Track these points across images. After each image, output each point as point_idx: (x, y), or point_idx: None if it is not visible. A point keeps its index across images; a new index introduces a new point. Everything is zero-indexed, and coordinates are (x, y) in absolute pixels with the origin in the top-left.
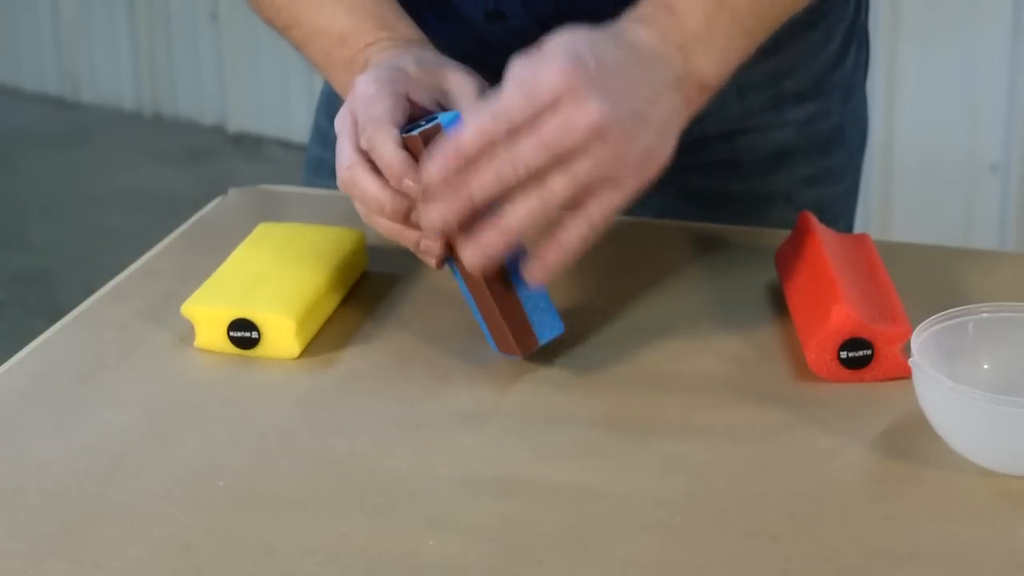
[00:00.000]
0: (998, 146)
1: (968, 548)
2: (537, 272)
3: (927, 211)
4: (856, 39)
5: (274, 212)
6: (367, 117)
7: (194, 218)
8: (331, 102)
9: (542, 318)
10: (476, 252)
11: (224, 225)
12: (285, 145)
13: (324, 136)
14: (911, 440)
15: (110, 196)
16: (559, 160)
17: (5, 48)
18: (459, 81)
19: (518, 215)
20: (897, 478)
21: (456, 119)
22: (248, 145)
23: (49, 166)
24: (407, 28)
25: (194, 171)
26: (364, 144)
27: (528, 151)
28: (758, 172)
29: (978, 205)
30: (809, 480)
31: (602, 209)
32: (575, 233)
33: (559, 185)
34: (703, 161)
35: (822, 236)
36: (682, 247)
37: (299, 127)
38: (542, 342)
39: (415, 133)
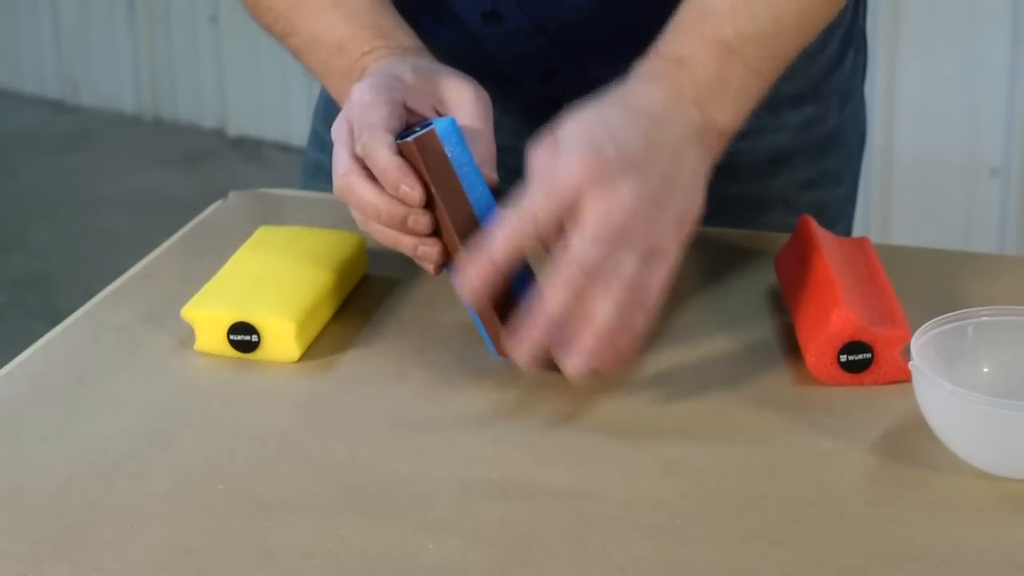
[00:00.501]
0: (998, 149)
1: (968, 551)
2: (614, 363)
3: (927, 214)
4: (854, 43)
5: (274, 216)
6: (362, 124)
7: (194, 221)
8: (328, 107)
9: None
10: (581, 362)
11: (224, 228)
12: (285, 148)
13: (322, 141)
14: (911, 443)
15: (110, 199)
16: (614, 247)
17: (5, 51)
18: (456, 88)
19: (607, 311)
20: (897, 481)
21: (451, 125)
22: (248, 148)
23: (49, 169)
24: (404, 36)
25: (194, 174)
26: (359, 151)
27: (588, 249)
28: (756, 176)
29: (978, 208)
30: (809, 483)
31: (656, 281)
32: (639, 314)
33: (629, 263)
34: None
35: (822, 240)
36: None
37: (299, 130)
38: None
39: (409, 139)
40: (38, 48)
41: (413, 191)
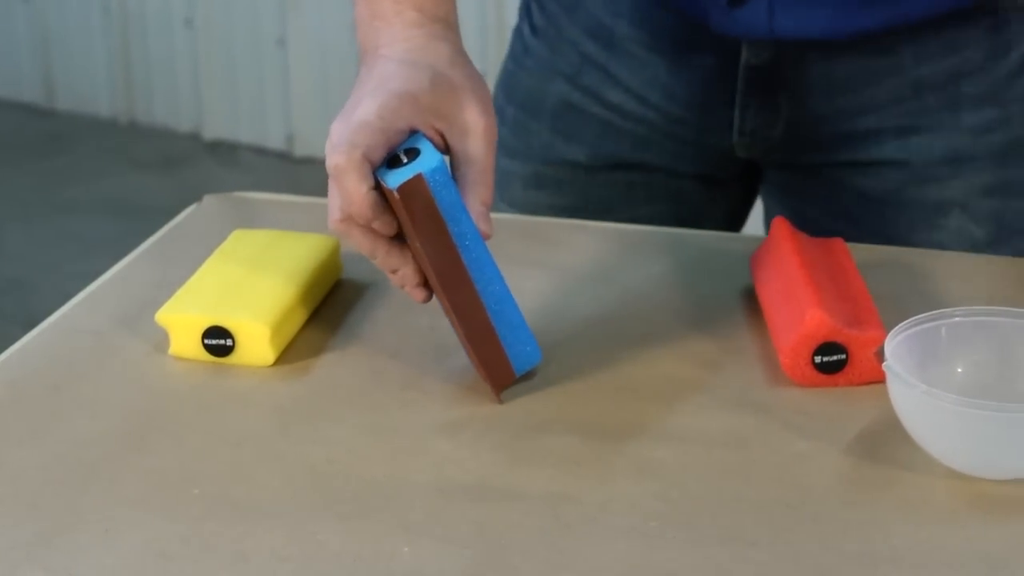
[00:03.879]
0: None
1: (942, 551)
2: None
3: None
4: None
5: (249, 219)
6: (351, 140)
7: (169, 225)
8: (506, 80)
9: (520, 351)
10: None
11: (199, 232)
12: (261, 152)
13: (501, 114)
14: (885, 444)
15: (85, 203)
16: None
17: None
18: (470, 115)
19: None
20: (871, 482)
21: (440, 167)
22: (224, 152)
23: (24, 173)
24: (442, 2)
25: (169, 178)
26: (330, 167)
27: None
28: (931, 176)
29: None
30: (784, 485)
31: None
32: None
33: None
34: (875, 159)
35: (796, 241)
36: (656, 253)
37: (275, 134)
38: (519, 374)
39: (394, 188)
40: (13, 51)
41: (388, 229)
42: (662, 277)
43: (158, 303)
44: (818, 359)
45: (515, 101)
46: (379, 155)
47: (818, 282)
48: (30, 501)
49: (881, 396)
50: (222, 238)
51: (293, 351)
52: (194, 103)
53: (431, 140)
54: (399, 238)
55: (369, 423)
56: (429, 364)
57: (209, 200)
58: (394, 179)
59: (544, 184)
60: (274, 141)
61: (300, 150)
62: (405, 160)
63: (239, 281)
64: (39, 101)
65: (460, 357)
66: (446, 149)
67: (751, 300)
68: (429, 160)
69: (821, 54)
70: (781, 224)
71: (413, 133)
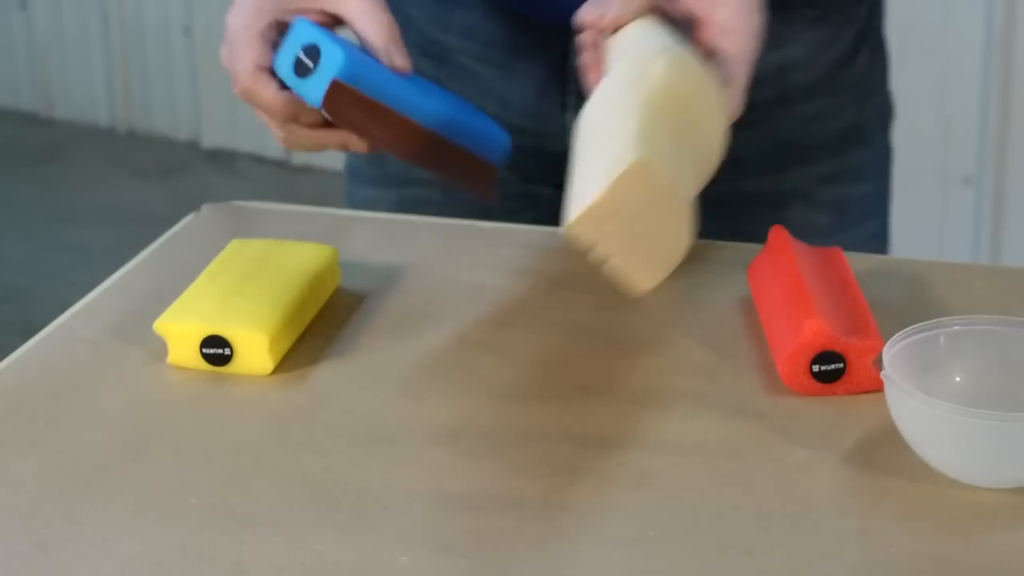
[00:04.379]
0: (971, 158)
1: (941, 561)
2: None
3: (900, 223)
4: (868, 41)
5: (247, 228)
6: (235, 61)
7: (167, 234)
8: None
9: (488, 144)
10: None
11: (197, 241)
12: (259, 160)
13: None
14: (884, 453)
15: (84, 212)
16: None
17: None
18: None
19: None
20: (870, 491)
21: (345, 60)
22: (222, 161)
23: (23, 182)
24: None
25: (168, 187)
26: (240, 94)
27: None
28: (767, 170)
29: (951, 217)
30: (782, 494)
31: None
32: None
33: None
34: None
35: (794, 250)
36: None
37: (273, 142)
38: (499, 162)
39: (320, 106)
40: (11, 61)
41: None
42: (659, 285)
43: (156, 312)
44: (816, 368)
45: None
46: (266, 58)
47: (816, 291)
48: (28, 510)
49: (879, 405)
50: (220, 247)
51: (291, 360)
52: (192, 112)
53: (322, 24)
54: None
55: (367, 432)
56: (426, 373)
57: (207, 210)
58: (312, 93)
59: (408, 207)
60: (272, 149)
61: (298, 158)
62: (311, 65)
63: (237, 290)
64: (37, 110)
65: (457, 365)
66: (337, 23)
67: (749, 309)
68: (332, 56)
69: None
70: (779, 233)
71: (300, 27)
